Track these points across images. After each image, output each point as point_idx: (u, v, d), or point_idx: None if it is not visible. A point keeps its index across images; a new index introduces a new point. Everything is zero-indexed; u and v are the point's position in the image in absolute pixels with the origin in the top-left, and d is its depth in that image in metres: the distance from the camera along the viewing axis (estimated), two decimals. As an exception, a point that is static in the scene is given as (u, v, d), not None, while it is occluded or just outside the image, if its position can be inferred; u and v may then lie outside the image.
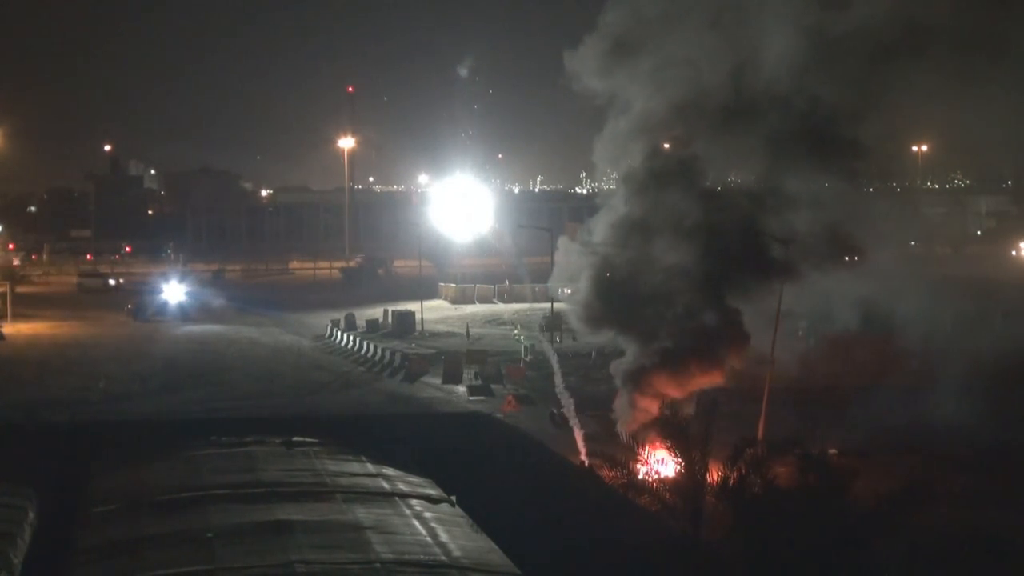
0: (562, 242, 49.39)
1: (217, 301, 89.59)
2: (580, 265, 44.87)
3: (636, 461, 29.97)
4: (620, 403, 41.87)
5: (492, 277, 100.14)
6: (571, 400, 44.82)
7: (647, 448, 30.09)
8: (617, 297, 42.36)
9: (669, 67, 42.04)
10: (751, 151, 42.23)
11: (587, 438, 41.15)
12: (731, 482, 25.35)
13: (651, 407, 37.23)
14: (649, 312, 41.99)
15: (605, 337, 50.51)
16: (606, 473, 30.02)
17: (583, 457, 38.62)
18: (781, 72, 40.42)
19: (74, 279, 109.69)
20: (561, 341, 65.61)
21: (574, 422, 42.90)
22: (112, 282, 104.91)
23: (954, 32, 41.13)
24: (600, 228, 44.54)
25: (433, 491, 26.98)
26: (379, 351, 64.96)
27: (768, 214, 41.41)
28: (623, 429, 39.82)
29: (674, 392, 39.12)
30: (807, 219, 41.43)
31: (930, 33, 40.39)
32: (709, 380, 40.46)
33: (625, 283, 42.62)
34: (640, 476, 29.04)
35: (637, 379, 41.02)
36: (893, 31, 40.13)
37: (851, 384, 50.58)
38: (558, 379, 48.22)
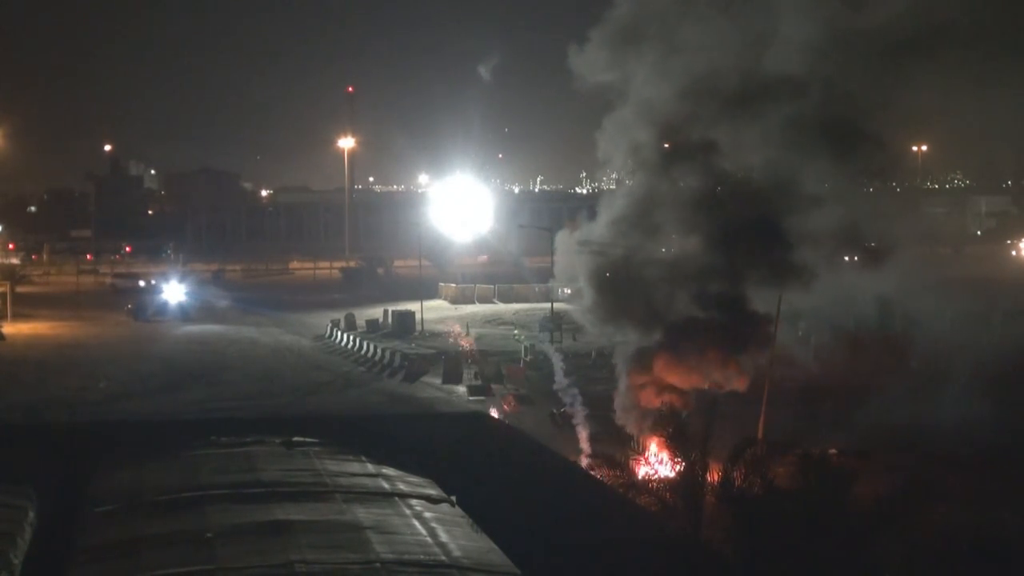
0: (561, 237, 48.88)
1: (222, 302, 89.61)
2: (579, 264, 44.66)
3: (637, 461, 30.00)
4: (621, 398, 41.42)
5: (492, 277, 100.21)
6: (578, 397, 44.70)
7: (648, 446, 30.11)
8: (623, 291, 41.82)
9: (680, 54, 41.64)
10: (764, 139, 41.50)
11: (590, 438, 41.11)
12: (731, 482, 25.36)
13: (654, 401, 37.00)
14: (659, 299, 41.25)
15: (606, 338, 50.42)
16: (606, 473, 30.05)
17: (586, 457, 38.56)
18: (795, 60, 40.01)
19: (107, 279, 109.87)
20: (561, 341, 65.65)
21: (578, 421, 42.86)
22: (142, 283, 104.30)
23: (967, 32, 40.99)
24: (599, 226, 44.27)
25: (433, 491, 26.93)
26: (379, 351, 64.98)
27: (782, 209, 40.69)
28: (624, 416, 39.40)
29: (682, 384, 38.71)
30: (816, 216, 41.00)
31: (944, 32, 40.18)
32: (723, 377, 39.78)
33: (631, 273, 42.12)
34: (640, 476, 29.07)
35: (643, 368, 40.27)
36: (908, 29, 39.87)
37: (854, 383, 50.60)
38: (559, 377, 48.20)
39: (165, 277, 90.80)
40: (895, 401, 44.77)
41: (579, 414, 43.42)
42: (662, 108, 41.97)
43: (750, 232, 40.10)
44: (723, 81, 41.41)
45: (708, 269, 40.83)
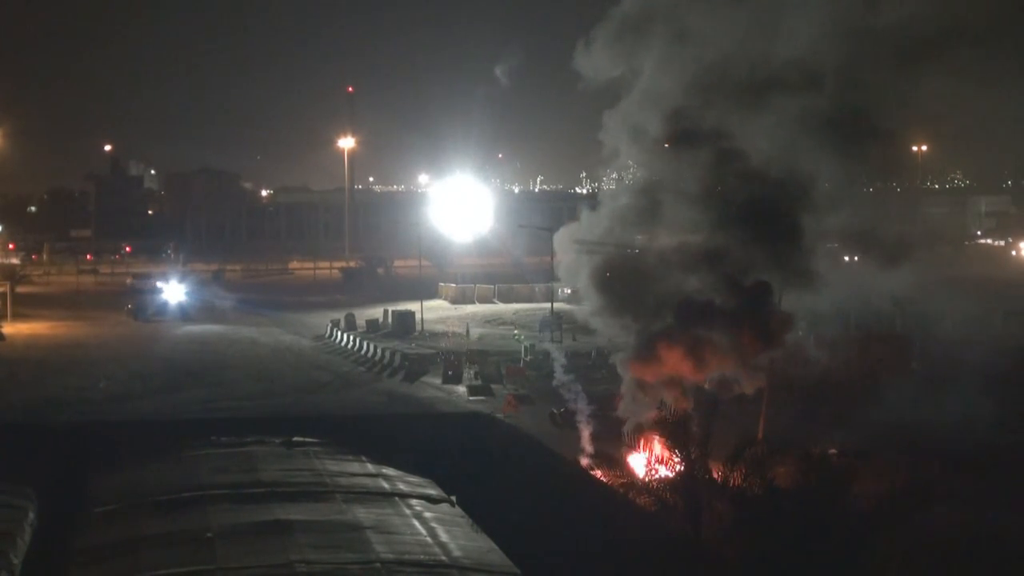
0: (561, 236, 47.94)
1: (226, 302, 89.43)
2: (579, 265, 44.28)
3: (636, 457, 29.94)
4: (625, 389, 40.51)
5: (492, 277, 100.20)
6: (581, 394, 44.42)
7: (649, 445, 30.02)
8: (628, 287, 40.95)
9: (689, 44, 41.00)
10: (773, 132, 40.52)
11: (591, 437, 40.98)
12: (731, 482, 25.36)
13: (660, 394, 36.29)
14: (667, 290, 40.13)
15: (607, 338, 50.09)
16: (606, 473, 30.04)
17: (587, 457, 38.45)
18: (805, 54, 39.42)
19: (127, 280, 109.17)
20: (561, 340, 65.62)
21: (580, 418, 42.70)
22: (160, 283, 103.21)
23: (970, 32, 40.70)
24: (599, 220, 43.69)
25: (433, 491, 26.95)
26: (379, 351, 64.97)
27: (792, 205, 39.80)
28: (627, 410, 38.84)
29: (694, 373, 37.99)
30: (823, 213, 40.25)
31: (950, 32, 39.81)
32: (736, 377, 38.86)
33: (633, 266, 41.32)
34: (641, 475, 29.03)
35: (648, 358, 39.22)
36: (920, 28, 39.44)
37: (854, 383, 50.51)
38: (559, 373, 47.93)
39: (181, 277, 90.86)
40: (896, 400, 44.75)
41: (581, 411, 43.24)
42: (670, 96, 41.14)
43: (757, 225, 39.14)
44: (732, 72, 40.74)
45: (719, 255, 39.68)
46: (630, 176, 48.93)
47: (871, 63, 40.62)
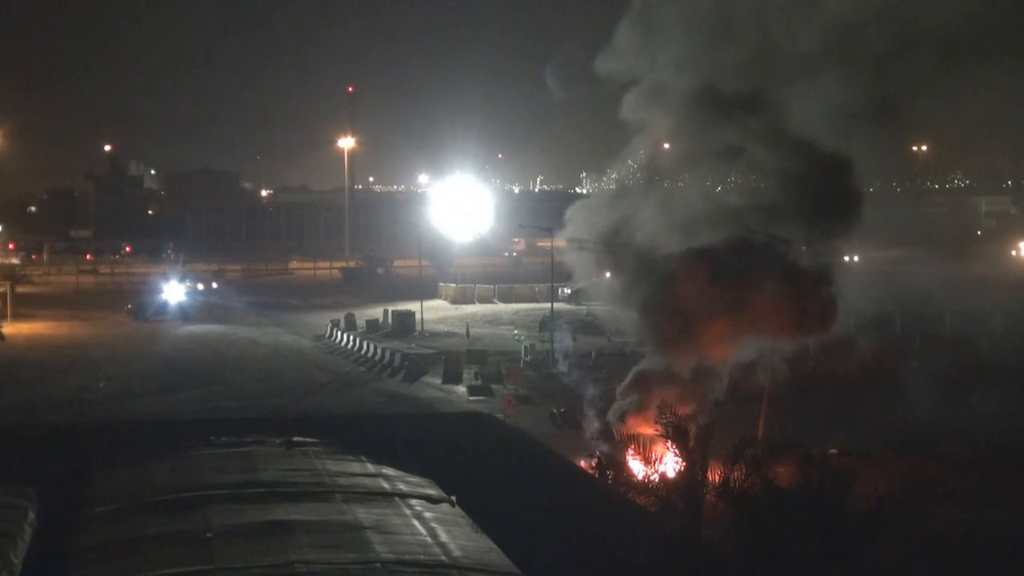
0: (571, 214, 47.13)
1: (232, 302, 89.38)
2: (584, 259, 43.73)
3: (638, 457, 29.88)
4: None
5: (492, 277, 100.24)
6: (592, 388, 44.28)
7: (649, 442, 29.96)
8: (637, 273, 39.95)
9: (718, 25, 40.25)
10: (807, 111, 39.51)
11: (592, 436, 41.01)
12: (731, 482, 25.32)
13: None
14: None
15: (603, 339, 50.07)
16: (612, 473, 30.01)
17: (586, 457, 38.38)
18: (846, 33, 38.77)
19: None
20: (563, 341, 65.61)
21: (584, 418, 42.71)
22: (200, 285, 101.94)
23: (969, 32, 40.44)
24: (606, 202, 43.03)
25: (433, 491, 26.92)
26: (379, 351, 64.98)
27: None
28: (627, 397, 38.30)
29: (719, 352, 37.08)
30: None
31: (957, 34, 39.45)
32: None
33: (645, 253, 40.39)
34: (639, 474, 29.00)
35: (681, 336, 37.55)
36: (969, 31, 38.97)
37: (853, 383, 50.57)
38: (561, 364, 47.72)
39: (183, 277, 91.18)
40: (895, 400, 44.83)
41: (591, 400, 43.08)
42: (703, 62, 39.98)
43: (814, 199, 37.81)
44: (768, 46, 39.99)
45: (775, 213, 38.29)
46: (634, 172, 48.69)
47: (913, 56, 39.93)
